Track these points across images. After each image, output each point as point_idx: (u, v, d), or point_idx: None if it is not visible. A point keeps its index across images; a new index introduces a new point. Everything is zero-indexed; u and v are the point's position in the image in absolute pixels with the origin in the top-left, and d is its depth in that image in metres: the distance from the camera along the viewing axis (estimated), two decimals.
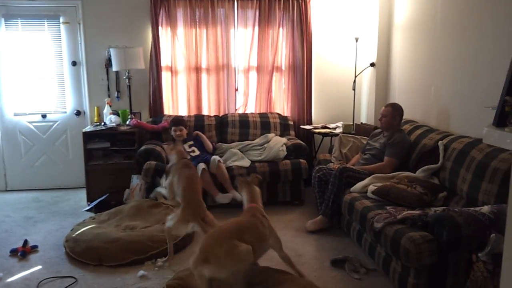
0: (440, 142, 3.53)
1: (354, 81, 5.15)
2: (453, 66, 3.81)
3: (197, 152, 4.64)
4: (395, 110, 3.98)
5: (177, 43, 5.14)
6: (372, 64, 5.11)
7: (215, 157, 4.47)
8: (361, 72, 5.18)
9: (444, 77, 3.95)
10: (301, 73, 5.25)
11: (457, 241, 2.49)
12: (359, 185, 3.65)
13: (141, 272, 3.15)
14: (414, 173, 3.59)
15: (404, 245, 2.62)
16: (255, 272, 2.82)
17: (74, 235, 3.59)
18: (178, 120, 4.77)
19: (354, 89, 5.18)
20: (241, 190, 3.09)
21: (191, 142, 4.73)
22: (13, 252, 3.50)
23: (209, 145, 4.78)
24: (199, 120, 5.07)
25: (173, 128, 4.71)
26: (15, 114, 5.21)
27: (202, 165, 4.31)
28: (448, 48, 3.87)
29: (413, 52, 4.51)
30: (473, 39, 3.52)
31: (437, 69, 4.06)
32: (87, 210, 4.42)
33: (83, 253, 3.36)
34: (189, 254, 3.47)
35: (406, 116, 4.17)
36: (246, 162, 4.54)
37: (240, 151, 4.77)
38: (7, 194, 5.17)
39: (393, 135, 3.94)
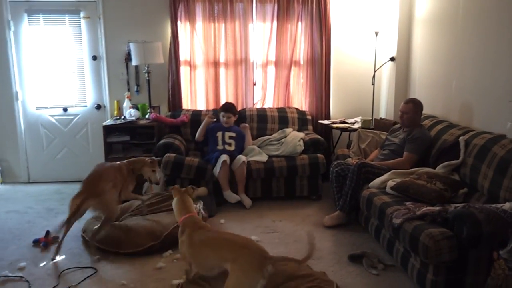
0: (461, 138, 3.47)
1: (374, 76, 5.09)
2: (475, 60, 3.74)
3: (232, 148, 4.64)
4: (416, 106, 3.93)
5: (195, 38, 5.16)
6: (392, 59, 5.05)
7: (242, 157, 4.46)
8: (380, 67, 5.13)
9: (466, 71, 3.88)
10: (320, 67, 5.21)
11: (478, 238, 2.46)
12: (378, 180, 3.62)
13: (159, 264, 3.20)
14: (434, 169, 3.55)
15: (423, 241, 2.60)
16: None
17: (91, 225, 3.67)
18: (228, 107, 4.77)
19: (373, 84, 5.13)
20: (174, 196, 2.98)
21: (233, 134, 4.71)
22: (36, 242, 3.58)
23: (249, 141, 4.82)
24: (217, 114, 5.08)
25: (222, 113, 4.73)
26: (37, 108, 5.31)
27: (224, 157, 4.33)
28: (470, 42, 3.80)
29: (434, 46, 4.44)
30: (495, 33, 3.45)
31: (458, 63, 3.99)
32: None
33: (101, 241, 3.44)
34: None
35: (426, 111, 4.11)
36: (263, 157, 4.55)
37: (258, 147, 4.78)
38: (29, 186, 5.28)
39: (413, 130, 3.89)
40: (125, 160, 3.81)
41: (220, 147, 4.62)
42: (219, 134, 4.68)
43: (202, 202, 3.95)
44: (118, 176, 3.57)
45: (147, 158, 3.85)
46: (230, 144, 4.64)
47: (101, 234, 3.45)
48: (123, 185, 3.62)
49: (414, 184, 3.27)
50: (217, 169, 4.31)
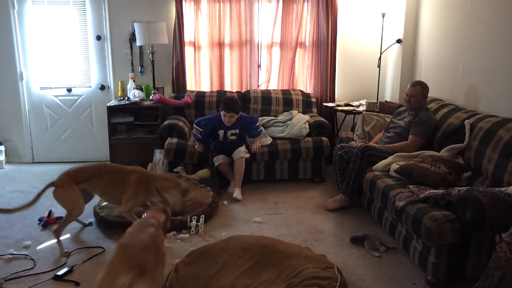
0: (466, 121, 3.45)
1: (380, 58, 5.04)
2: (482, 43, 3.69)
3: (235, 138, 4.37)
4: (424, 89, 3.88)
5: (200, 18, 5.11)
6: (399, 41, 4.98)
7: (242, 151, 4.26)
8: (387, 49, 5.07)
9: (473, 54, 3.83)
10: (325, 49, 5.16)
11: (481, 221, 2.46)
12: (382, 163, 3.61)
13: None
14: (439, 152, 3.53)
15: (426, 224, 2.60)
16: (261, 248, 2.84)
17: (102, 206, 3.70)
18: (231, 106, 4.22)
19: (379, 66, 5.08)
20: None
21: (236, 131, 4.35)
22: (41, 220, 3.63)
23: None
24: (221, 96, 5.05)
25: (223, 112, 4.22)
26: (41, 88, 5.31)
27: (220, 159, 4.24)
28: (478, 24, 3.74)
29: (441, 29, 4.38)
30: (504, 16, 3.39)
31: (466, 46, 3.94)
32: None
33: (112, 219, 3.50)
34: (214, 225, 3.55)
35: (432, 94, 4.08)
36: (267, 140, 4.54)
37: (263, 126, 4.74)
38: (34, 166, 5.31)
39: (418, 113, 3.86)
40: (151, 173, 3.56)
41: (221, 139, 4.37)
42: (221, 132, 4.34)
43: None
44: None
45: (182, 186, 3.43)
46: (233, 139, 4.38)
47: (114, 213, 3.50)
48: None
49: (418, 167, 3.26)
50: (216, 162, 4.27)
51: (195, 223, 3.45)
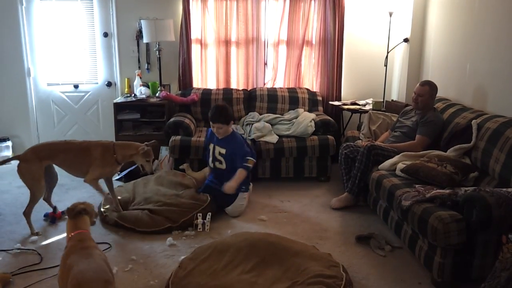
0: (473, 121, 3.43)
1: (386, 57, 5.03)
2: (490, 42, 3.67)
3: (223, 166, 3.77)
4: (432, 89, 3.86)
5: (207, 16, 5.11)
6: (406, 40, 4.97)
7: (237, 205, 3.73)
8: (393, 48, 5.05)
9: (481, 54, 3.81)
10: (332, 47, 5.15)
11: (488, 222, 2.45)
12: (388, 162, 3.60)
13: (169, 240, 3.24)
14: (445, 152, 3.52)
15: (432, 224, 2.59)
16: (267, 245, 2.85)
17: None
18: (216, 115, 3.69)
19: (386, 65, 5.06)
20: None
21: (223, 151, 3.74)
22: (46, 217, 3.65)
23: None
24: (227, 93, 5.07)
25: (211, 123, 3.76)
26: (49, 84, 5.33)
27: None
28: (486, 23, 3.72)
29: (449, 28, 4.36)
30: None
31: (473, 45, 3.92)
32: (117, 179, 4.53)
33: (122, 217, 3.52)
34: (220, 223, 3.55)
35: (439, 93, 4.05)
36: (273, 138, 4.52)
37: (270, 124, 4.71)
38: None
39: (426, 113, 3.85)
40: (113, 143, 3.57)
41: (210, 163, 3.88)
42: (211, 147, 3.86)
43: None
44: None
45: (140, 147, 3.50)
46: (220, 162, 3.78)
47: (123, 213, 3.55)
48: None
49: (424, 167, 3.25)
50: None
51: (201, 220, 3.46)
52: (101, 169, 3.47)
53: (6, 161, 3.52)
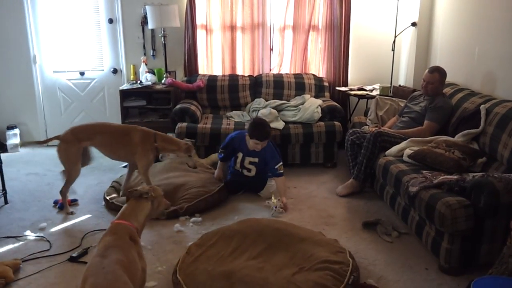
0: (482, 106, 3.40)
1: (394, 42, 4.96)
2: (499, 26, 3.60)
3: (252, 173, 3.86)
4: (442, 76, 3.81)
5: (212, 1, 5.06)
6: (414, 24, 4.90)
7: (271, 187, 3.85)
8: (401, 32, 4.98)
9: (490, 38, 3.75)
10: (339, 32, 5.09)
11: (495, 208, 2.44)
12: (395, 148, 3.59)
13: (177, 226, 3.26)
14: (453, 137, 3.49)
15: (439, 210, 2.58)
16: (273, 231, 2.85)
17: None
18: (265, 133, 3.65)
19: (393, 50, 5.00)
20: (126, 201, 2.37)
21: (255, 160, 3.79)
22: (56, 203, 3.68)
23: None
24: (233, 79, 5.04)
25: (255, 140, 3.64)
26: (55, 72, 5.34)
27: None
28: (495, 7, 3.65)
29: (457, 11, 4.29)
30: None
31: (482, 29, 3.85)
32: (124, 166, 4.55)
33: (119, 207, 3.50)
34: (226, 210, 3.57)
35: (447, 78, 4.00)
36: (280, 124, 4.50)
37: (276, 109, 4.68)
38: (48, 149, 5.33)
39: (435, 99, 3.81)
40: (154, 131, 3.55)
41: (238, 168, 3.90)
42: (240, 155, 3.85)
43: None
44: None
45: (182, 142, 3.54)
46: (249, 170, 3.84)
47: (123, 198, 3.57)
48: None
49: (432, 153, 3.23)
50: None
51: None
52: (146, 159, 3.48)
53: (47, 140, 3.71)
